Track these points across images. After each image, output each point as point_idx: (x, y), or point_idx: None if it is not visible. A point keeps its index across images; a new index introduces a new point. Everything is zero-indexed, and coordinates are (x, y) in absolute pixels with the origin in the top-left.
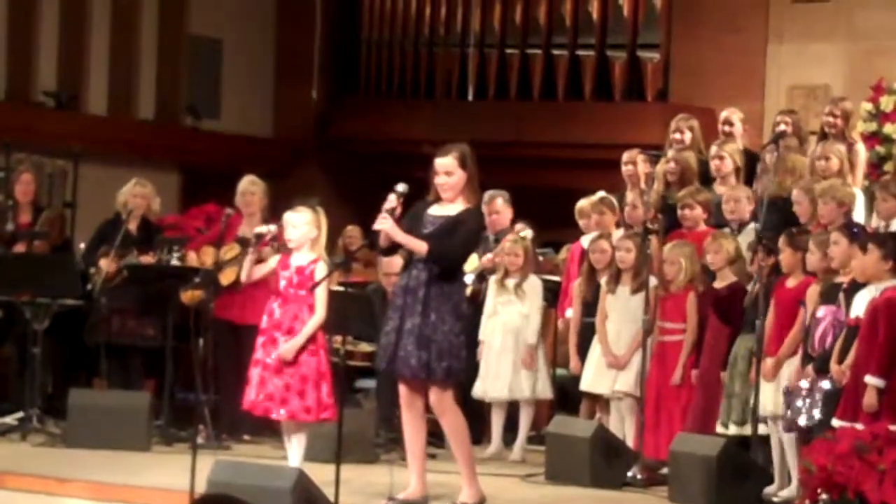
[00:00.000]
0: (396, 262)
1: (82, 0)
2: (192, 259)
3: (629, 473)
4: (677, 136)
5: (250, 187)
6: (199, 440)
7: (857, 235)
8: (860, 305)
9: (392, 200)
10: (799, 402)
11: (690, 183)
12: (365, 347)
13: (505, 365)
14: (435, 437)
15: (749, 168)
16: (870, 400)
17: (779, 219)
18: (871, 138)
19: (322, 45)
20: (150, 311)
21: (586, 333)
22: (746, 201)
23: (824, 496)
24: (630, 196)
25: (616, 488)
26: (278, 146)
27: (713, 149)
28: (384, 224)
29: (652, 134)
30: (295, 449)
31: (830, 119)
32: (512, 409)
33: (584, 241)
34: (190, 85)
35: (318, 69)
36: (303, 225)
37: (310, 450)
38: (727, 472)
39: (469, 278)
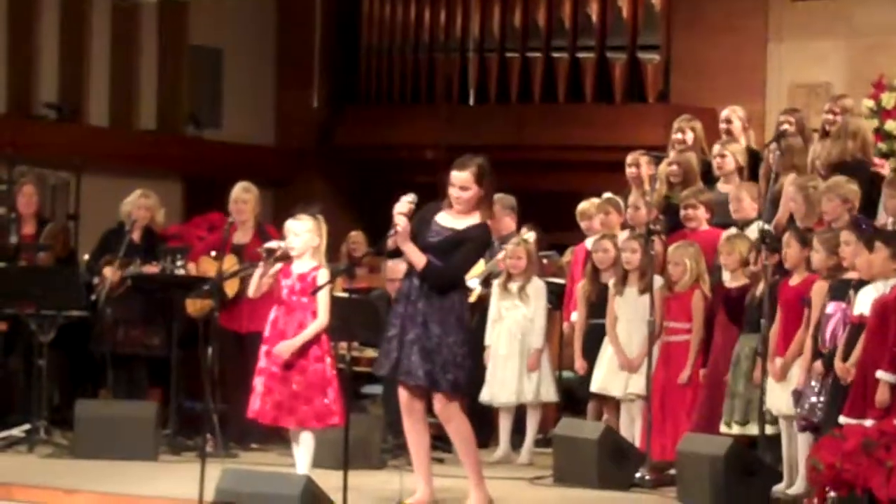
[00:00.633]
0: (401, 267)
1: (82, 12)
2: (192, 270)
3: (637, 475)
4: (679, 136)
5: (243, 194)
6: (207, 449)
7: (864, 232)
8: (864, 303)
9: (404, 205)
10: (813, 400)
11: (693, 183)
12: (371, 353)
13: (511, 369)
14: (442, 440)
15: (751, 167)
16: (882, 396)
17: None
18: (873, 135)
19: (322, 52)
20: (155, 320)
21: (592, 334)
22: (750, 200)
23: (833, 494)
24: (633, 197)
25: (624, 490)
26: (280, 154)
27: (716, 147)
28: (400, 221)
29: (653, 135)
30: (303, 455)
31: (830, 117)
32: (519, 412)
33: (588, 243)
34: (191, 95)
35: (319, 77)
36: (304, 233)
37: (317, 456)
38: (735, 471)
39: (475, 283)
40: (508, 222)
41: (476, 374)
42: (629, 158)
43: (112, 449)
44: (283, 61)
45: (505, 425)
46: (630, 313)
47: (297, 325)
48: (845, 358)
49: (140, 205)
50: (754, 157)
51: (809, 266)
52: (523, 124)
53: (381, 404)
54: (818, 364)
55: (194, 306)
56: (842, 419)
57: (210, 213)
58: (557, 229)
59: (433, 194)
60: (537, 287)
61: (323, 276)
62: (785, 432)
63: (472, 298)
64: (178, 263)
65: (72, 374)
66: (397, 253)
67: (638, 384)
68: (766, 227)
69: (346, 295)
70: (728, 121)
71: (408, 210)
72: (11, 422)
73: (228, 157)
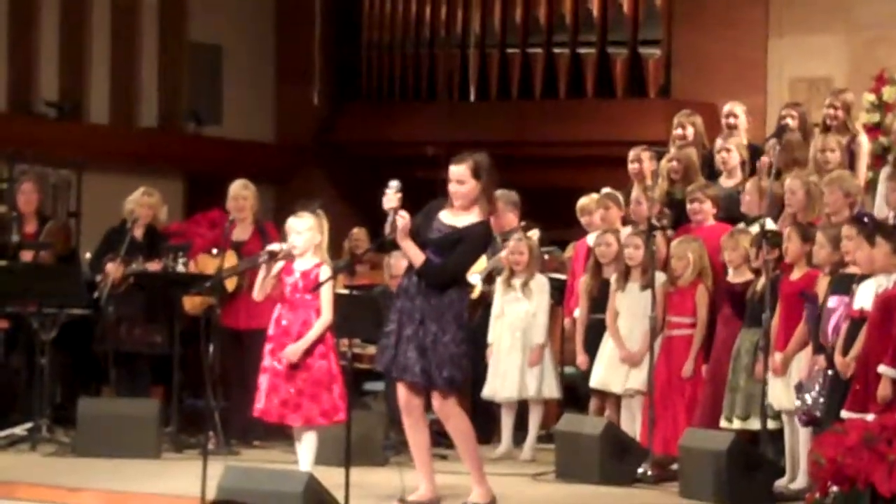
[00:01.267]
0: (403, 263)
1: (82, 9)
2: (192, 268)
3: (639, 470)
4: (680, 131)
5: (242, 191)
6: (210, 446)
7: (866, 226)
8: (864, 297)
9: (393, 199)
10: (814, 394)
11: (694, 179)
12: (373, 350)
13: (513, 365)
14: (443, 436)
15: (751, 162)
16: (884, 391)
17: None
18: (874, 129)
19: (322, 48)
20: (157, 318)
21: (594, 329)
22: (756, 195)
23: (835, 488)
24: (635, 193)
25: (626, 485)
26: (281, 151)
27: (718, 142)
28: (404, 215)
29: (655, 130)
30: (305, 453)
31: (831, 111)
32: (521, 408)
33: (589, 238)
34: (191, 92)
35: (319, 73)
36: (306, 231)
37: (319, 453)
38: (738, 466)
39: (476, 279)
40: (511, 218)
41: (474, 371)
42: (631, 154)
43: (114, 447)
44: (283, 58)
45: (507, 421)
46: (631, 309)
47: (302, 322)
48: (845, 352)
49: (143, 202)
50: (753, 152)
51: (810, 261)
52: (524, 120)
53: (383, 401)
54: (820, 358)
55: (192, 303)
56: (843, 413)
57: (211, 210)
58: (559, 225)
59: (433, 190)
60: (540, 283)
61: (325, 273)
62: (787, 427)
63: (475, 295)
64: (180, 261)
65: (74, 372)
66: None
67: (638, 379)
68: (770, 222)
69: (347, 291)
70: (733, 115)
71: (397, 201)
72: (14, 420)
73: (229, 154)
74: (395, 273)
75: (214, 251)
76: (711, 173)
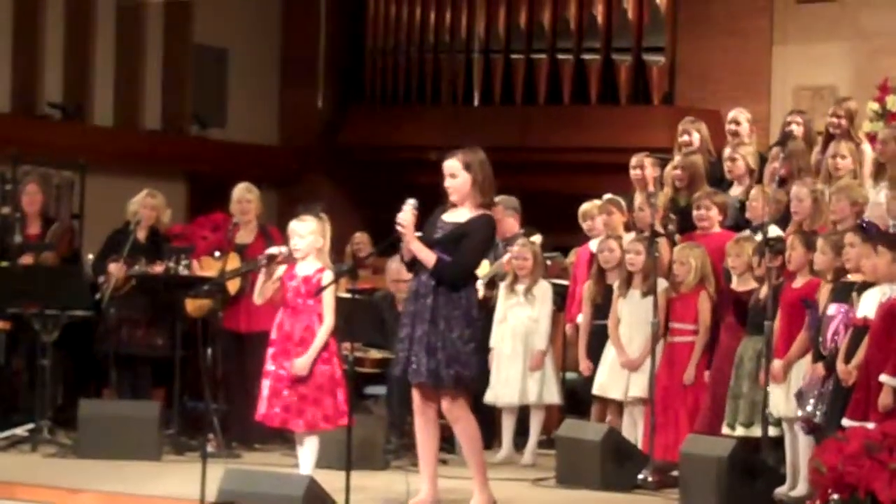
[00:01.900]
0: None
1: (87, 11)
2: (195, 270)
3: (640, 476)
4: (685, 138)
5: (246, 195)
6: (210, 449)
7: (869, 235)
8: (867, 305)
9: (409, 214)
10: (813, 401)
11: (700, 186)
12: (374, 354)
13: (515, 370)
14: (446, 442)
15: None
16: (885, 400)
17: None
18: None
19: (327, 52)
20: (159, 320)
21: (596, 335)
22: (763, 202)
23: (835, 496)
24: (639, 199)
25: (627, 491)
26: (284, 154)
27: (726, 150)
28: (406, 220)
29: (658, 137)
30: (306, 456)
31: (834, 120)
32: (523, 413)
33: (592, 244)
34: (196, 94)
35: (324, 77)
36: (308, 234)
37: (320, 457)
38: (738, 473)
39: (479, 284)
40: (512, 223)
41: (482, 371)
42: (633, 160)
43: (115, 448)
44: (287, 61)
45: (508, 426)
46: (633, 315)
47: (304, 327)
48: (847, 360)
49: (146, 204)
50: (759, 160)
51: (812, 269)
52: (528, 126)
53: (384, 405)
54: (819, 366)
55: (193, 305)
56: (844, 421)
57: (214, 212)
58: (561, 231)
59: (437, 195)
60: (544, 289)
61: (328, 278)
62: (788, 434)
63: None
64: (183, 263)
65: (75, 374)
66: (412, 265)
67: (639, 386)
68: (775, 229)
69: (349, 295)
70: (736, 122)
71: (412, 217)
72: (15, 421)
73: (233, 157)
74: (396, 277)
75: (217, 254)
76: (716, 181)
